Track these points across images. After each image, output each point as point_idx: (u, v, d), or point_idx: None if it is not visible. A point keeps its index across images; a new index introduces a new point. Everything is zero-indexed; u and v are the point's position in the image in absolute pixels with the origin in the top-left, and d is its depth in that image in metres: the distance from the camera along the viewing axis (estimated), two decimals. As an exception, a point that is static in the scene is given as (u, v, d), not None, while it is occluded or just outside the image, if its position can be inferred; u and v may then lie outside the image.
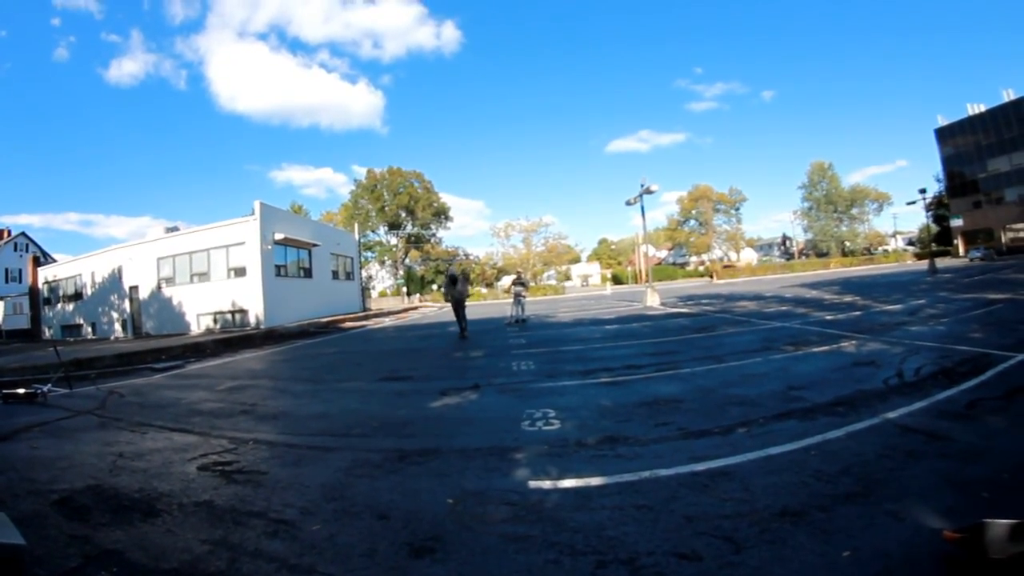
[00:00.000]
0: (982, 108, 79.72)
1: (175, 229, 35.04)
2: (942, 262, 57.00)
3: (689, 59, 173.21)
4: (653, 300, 27.69)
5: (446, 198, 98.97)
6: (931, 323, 12.80)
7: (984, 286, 23.11)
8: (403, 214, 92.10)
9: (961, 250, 79.04)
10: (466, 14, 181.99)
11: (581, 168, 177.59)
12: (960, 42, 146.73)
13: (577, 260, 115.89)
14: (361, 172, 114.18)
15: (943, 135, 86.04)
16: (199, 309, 30.73)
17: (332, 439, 6.13)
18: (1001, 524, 2.70)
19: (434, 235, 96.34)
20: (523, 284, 23.47)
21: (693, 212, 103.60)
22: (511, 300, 23.01)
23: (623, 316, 22.28)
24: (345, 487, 4.49)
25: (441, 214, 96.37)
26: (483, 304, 48.11)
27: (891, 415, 5.59)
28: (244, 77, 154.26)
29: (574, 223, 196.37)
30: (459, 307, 18.69)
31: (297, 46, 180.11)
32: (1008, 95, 76.02)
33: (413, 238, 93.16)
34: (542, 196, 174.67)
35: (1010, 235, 76.14)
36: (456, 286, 18.97)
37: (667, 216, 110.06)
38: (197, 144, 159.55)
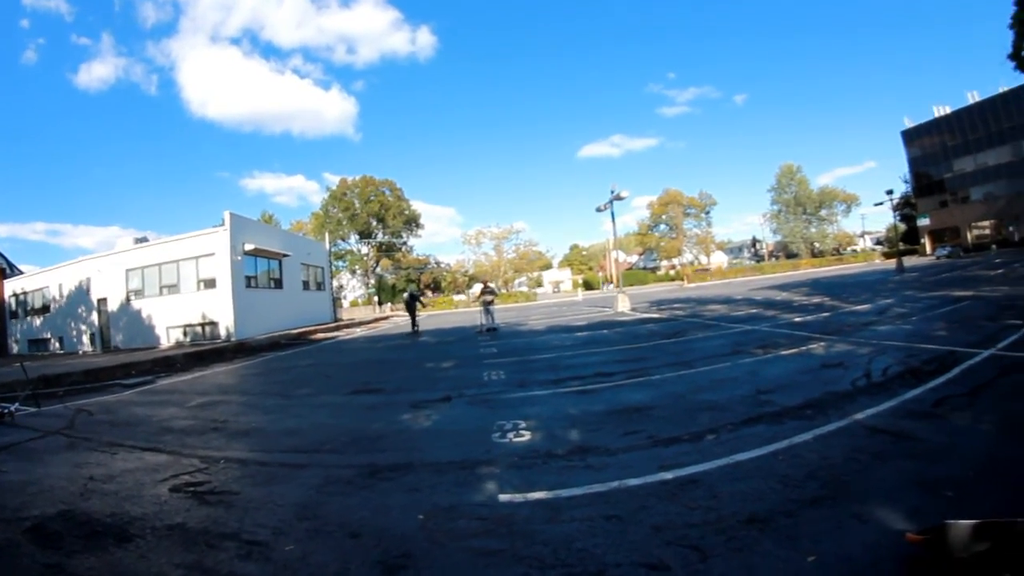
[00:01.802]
0: (947, 110, 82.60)
1: (144, 240, 34.46)
2: (909, 261, 58.31)
3: (662, 64, 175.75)
4: (624, 305, 27.78)
5: (417, 205, 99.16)
6: (898, 322, 13.06)
7: (950, 284, 23.54)
8: (374, 222, 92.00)
9: (928, 248, 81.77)
10: (442, 19, 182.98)
11: (553, 174, 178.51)
12: (926, 45, 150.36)
13: (548, 266, 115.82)
14: (333, 180, 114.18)
15: (910, 136, 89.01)
16: (169, 322, 30.31)
17: (304, 456, 6.11)
18: (963, 525, 2.78)
19: (405, 243, 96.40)
20: (491, 293, 23.51)
21: (663, 217, 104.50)
22: (480, 309, 22.98)
23: (594, 322, 22.31)
24: (317, 505, 4.49)
25: (412, 222, 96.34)
26: (454, 312, 47.84)
27: (859, 416, 5.70)
28: (216, 82, 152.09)
29: (545, 229, 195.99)
30: (412, 312, 27.55)
31: (270, 51, 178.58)
32: (973, 97, 79.08)
33: (384, 246, 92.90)
34: (514, 202, 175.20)
35: (976, 232, 79.07)
36: (413, 301, 28.11)
37: (638, 221, 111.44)
38: (167, 151, 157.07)
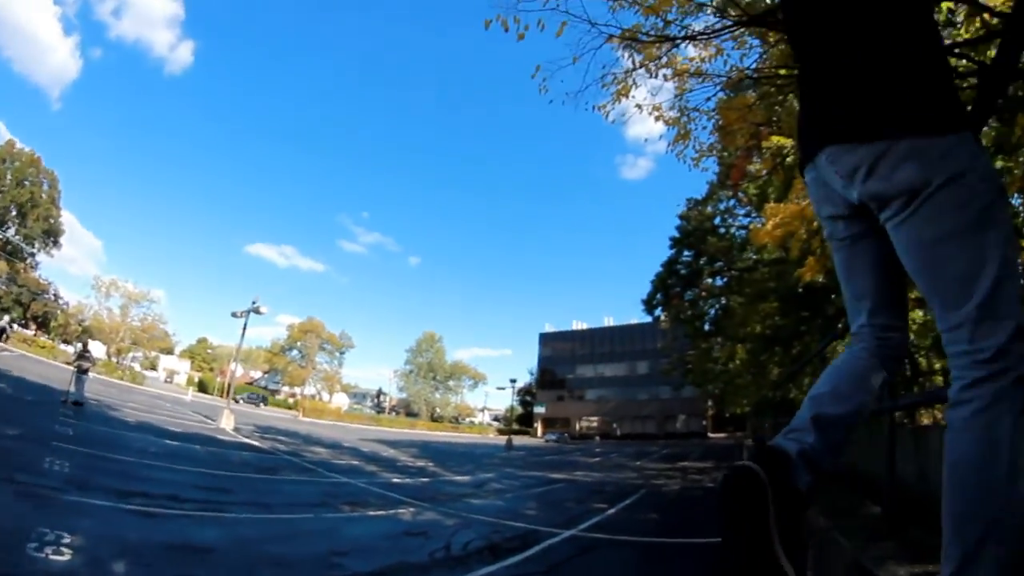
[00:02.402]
0: (584, 325, 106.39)
1: None
2: (520, 440, 64.58)
3: (361, 200, 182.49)
4: (228, 422, 26.63)
5: (68, 219, 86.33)
6: (492, 497, 13.94)
7: (550, 466, 26.06)
8: (13, 212, 75.06)
9: (540, 431, 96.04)
10: (209, 42, 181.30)
11: (214, 257, 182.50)
12: (583, 274, 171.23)
13: (170, 351, 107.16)
14: (3, 135, 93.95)
15: (546, 339, 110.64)
16: None
17: None
18: None
19: (34, 255, 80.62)
20: (89, 360, 21.06)
21: (299, 343, 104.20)
22: (72, 374, 20.05)
23: (191, 433, 21.09)
24: None
25: (53, 235, 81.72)
26: (51, 365, 39.98)
27: (427, 593, 5.66)
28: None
29: (183, 310, 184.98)
30: None
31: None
32: (608, 321, 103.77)
33: (9, 247, 75.41)
34: (163, 268, 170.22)
35: (584, 424, 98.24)
36: None
37: (273, 339, 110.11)
38: None
